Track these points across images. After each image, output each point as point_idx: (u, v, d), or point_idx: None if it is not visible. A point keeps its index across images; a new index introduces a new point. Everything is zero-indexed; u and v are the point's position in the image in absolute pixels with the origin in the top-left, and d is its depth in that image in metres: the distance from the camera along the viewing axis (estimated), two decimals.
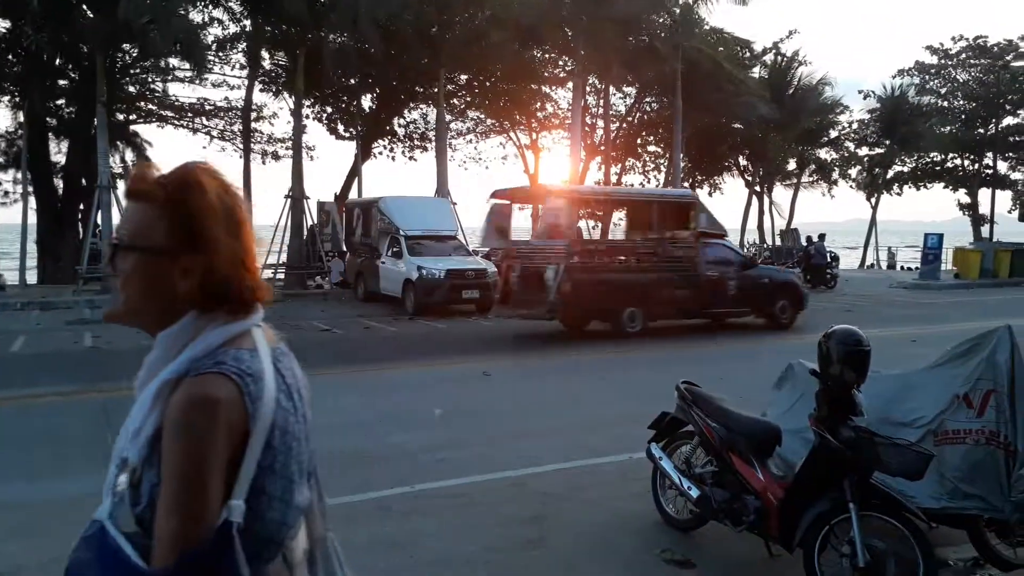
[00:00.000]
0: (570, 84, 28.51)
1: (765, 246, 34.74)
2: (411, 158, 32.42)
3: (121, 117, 27.42)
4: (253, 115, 27.99)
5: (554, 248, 14.31)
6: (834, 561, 3.94)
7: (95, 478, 5.15)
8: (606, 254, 15.50)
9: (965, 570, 4.57)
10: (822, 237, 27.03)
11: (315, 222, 23.62)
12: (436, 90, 25.52)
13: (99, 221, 20.45)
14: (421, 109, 31.30)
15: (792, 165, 39.51)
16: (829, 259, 26.55)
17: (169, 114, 29.11)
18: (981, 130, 39.32)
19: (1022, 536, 4.37)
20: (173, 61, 24.76)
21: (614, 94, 33.49)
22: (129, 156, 29.12)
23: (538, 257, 14.68)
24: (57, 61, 24.72)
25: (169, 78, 27.39)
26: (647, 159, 36.85)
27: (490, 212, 16.05)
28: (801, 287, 16.40)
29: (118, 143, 27.41)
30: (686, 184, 35.19)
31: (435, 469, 6.26)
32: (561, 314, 13.81)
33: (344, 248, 23.12)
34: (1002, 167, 40.59)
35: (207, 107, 28.92)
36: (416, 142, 32.14)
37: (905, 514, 3.89)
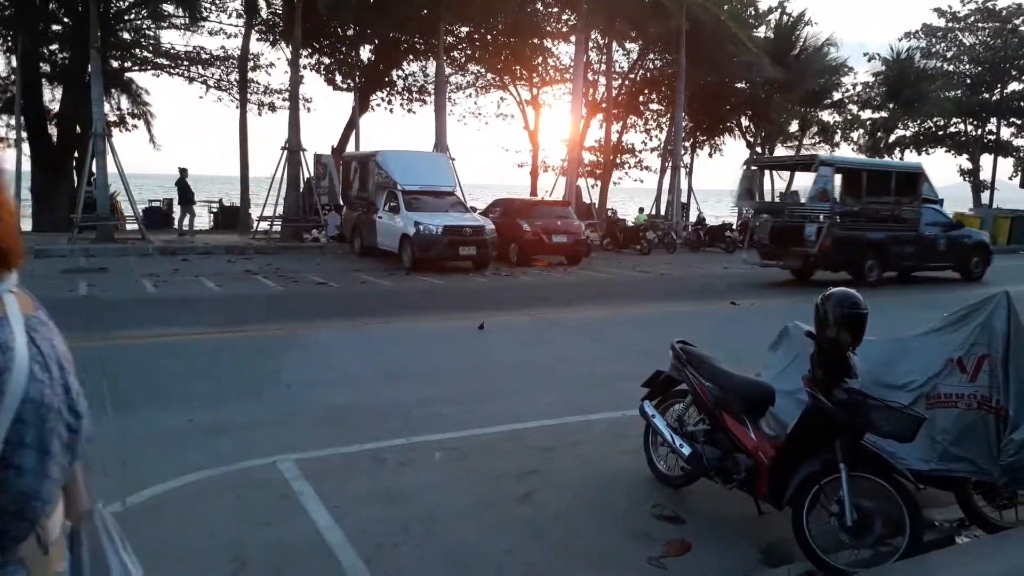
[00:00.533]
0: (573, 39, 28.11)
1: None
2: (410, 111, 32.07)
3: (116, 64, 27.01)
4: (250, 64, 27.63)
5: (817, 209, 16.85)
6: (822, 520, 3.99)
7: (90, 424, 5.12)
8: (856, 216, 17.53)
9: (951, 531, 4.63)
10: None
11: (312, 175, 23.44)
12: (436, 42, 25.13)
13: (94, 169, 20.27)
14: (420, 61, 30.88)
15: (794, 127, 39.22)
16: None
17: (164, 62, 28.69)
18: (986, 95, 38.97)
19: (1008, 499, 4.43)
20: (168, 7, 24.34)
21: (617, 50, 33.10)
22: (125, 103, 28.82)
23: (796, 215, 17.63)
24: (50, 5, 24.27)
25: (164, 25, 26.95)
26: (649, 117, 36.51)
27: (744, 176, 18.57)
28: (990, 245, 19.63)
29: (113, 90, 27.05)
30: (687, 144, 34.95)
31: (429, 423, 6.30)
32: (817, 263, 16.74)
33: (341, 202, 23.00)
34: (1005, 133, 40.36)
35: (203, 56, 28.53)
36: (415, 95, 31.76)
37: (894, 475, 3.93)
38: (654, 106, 36.13)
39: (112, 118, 27.24)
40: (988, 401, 4.30)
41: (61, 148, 25.27)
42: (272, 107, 29.43)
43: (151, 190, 53.75)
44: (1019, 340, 4.29)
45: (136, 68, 28.82)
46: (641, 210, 28.09)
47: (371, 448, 5.65)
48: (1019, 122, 39.86)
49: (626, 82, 33.93)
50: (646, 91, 35.28)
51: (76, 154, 25.33)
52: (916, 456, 4.44)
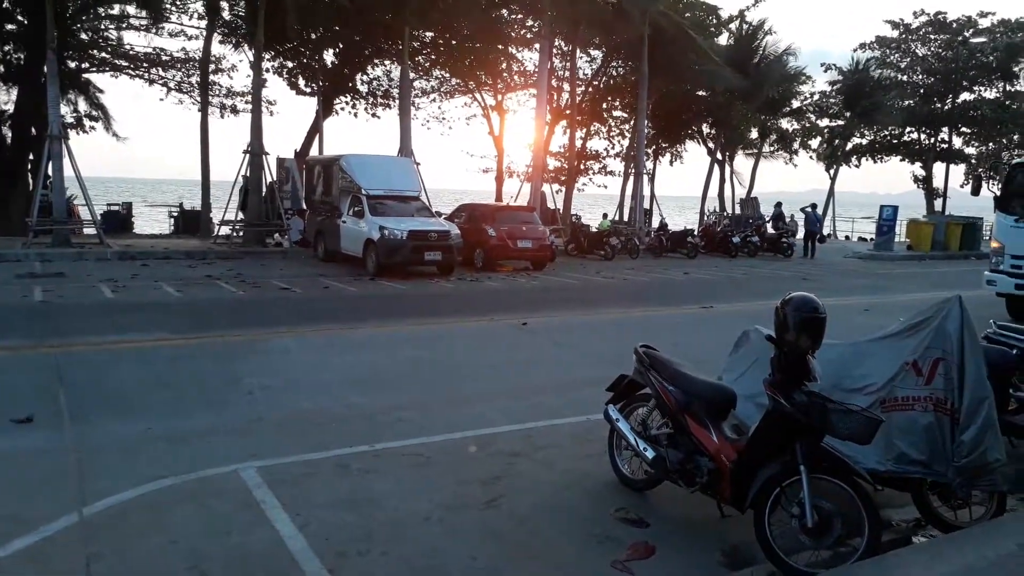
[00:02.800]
0: (537, 45, 28.20)
1: (725, 214, 35.05)
2: (374, 115, 31.89)
3: (73, 65, 26.46)
4: (211, 67, 27.23)
5: None
6: (784, 521, 4.06)
7: (45, 433, 5.05)
8: None
9: (908, 531, 4.74)
10: (813, 207, 28.69)
11: (274, 179, 23.20)
12: (400, 47, 25.02)
13: (50, 172, 19.81)
14: (385, 66, 30.73)
15: (754, 134, 39.80)
16: (785, 228, 27.70)
17: (124, 63, 28.16)
18: (938, 105, 39.94)
19: (962, 499, 4.54)
20: (129, 8, 23.92)
21: (581, 57, 33.27)
22: (82, 105, 28.21)
23: None
24: (4, 3, 23.71)
25: (124, 25, 26.47)
26: (613, 124, 36.77)
27: None
28: None
29: (70, 92, 26.48)
30: (649, 151, 35.26)
31: (394, 429, 6.26)
32: None
33: (304, 206, 22.76)
34: (957, 142, 41.38)
35: (164, 57, 28.07)
36: (379, 99, 31.57)
37: (853, 477, 4.01)
38: (617, 113, 36.39)
39: (69, 120, 26.66)
40: (943, 403, 4.41)
41: (16, 150, 24.65)
42: (234, 110, 29.05)
43: (110, 194, 52.79)
44: (971, 343, 4.41)
45: (94, 69, 28.26)
46: (605, 216, 28.26)
47: (335, 455, 5.60)
48: (970, 131, 40.91)
49: (590, 89, 34.12)
50: (609, 98, 35.52)
51: (31, 156, 24.74)
52: (874, 458, 4.53)
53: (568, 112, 32.60)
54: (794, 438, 4.01)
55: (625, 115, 35.69)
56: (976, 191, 16.04)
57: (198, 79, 27.23)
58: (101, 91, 28.76)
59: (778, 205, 29.37)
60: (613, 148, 36.65)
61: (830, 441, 4.09)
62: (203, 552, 4.08)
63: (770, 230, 28.29)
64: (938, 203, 41.26)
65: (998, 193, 13.54)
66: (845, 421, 3.85)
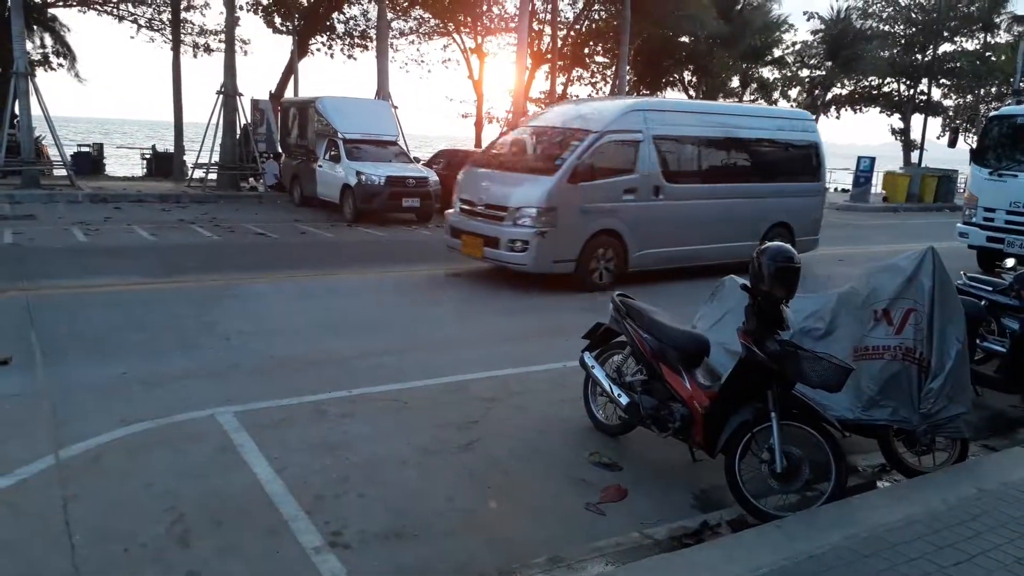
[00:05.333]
0: None
1: None
2: (350, 56, 31.15)
3: (38, 0, 25.55)
4: (183, 4, 26.41)
5: None
6: (754, 466, 4.15)
7: (19, 377, 5.02)
8: None
9: (873, 476, 4.87)
10: None
11: (249, 121, 22.74)
12: None
13: (16, 111, 19.26)
14: (362, 4, 29.99)
15: (735, 82, 39.53)
16: None
17: None
18: (919, 56, 39.80)
19: (927, 445, 4.66)
20: None
21: None
22: (48, 42, 27.29)
23: None
24: None
25: None
26: (595, 70, 36.30)
27: None
28: None
29: (35, 27, 25.60)
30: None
31: (371, 374, 6.29)
32: None
33: (279, 149, 22.36)
34: (936, 94, 41.39)
35: None
36: (356, 40, 30.84)
37: (822, 424, 4.10)
38: (599, 59, 35.90)
39: (35, 57, 25.83)
40: (912, 353, 4.50)
41: None
42: (207, 49, 28.28)
43: (79, 134, 51.54)
44: (945, 293, 4.48)
45: (60, 4, 27.31)
46: None
47: (312, 400, 5.62)
48: (949, 83, 40.89)
49: (572, 33, 33.57)
50: (591, 43, 34.99)
51: None
52: (843, 405, 4.63)
53: (549, 57, 32.09)
54: (766, 386, 4.08)
55: (607, 61, 35.23)
56: (953, 143, 16.15)
57: (169, 16, 26.43)
58: (68, 29, 27.89)
59: None
60: (595, 94, 36.25)
61: (801, 389, 4.17)
62: (180, 495, 4.11)
63: None
64: (915, 155, 41.43)
65: (974, 146, 13.62)
66: (816, 369, 3.92)
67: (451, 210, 11.28)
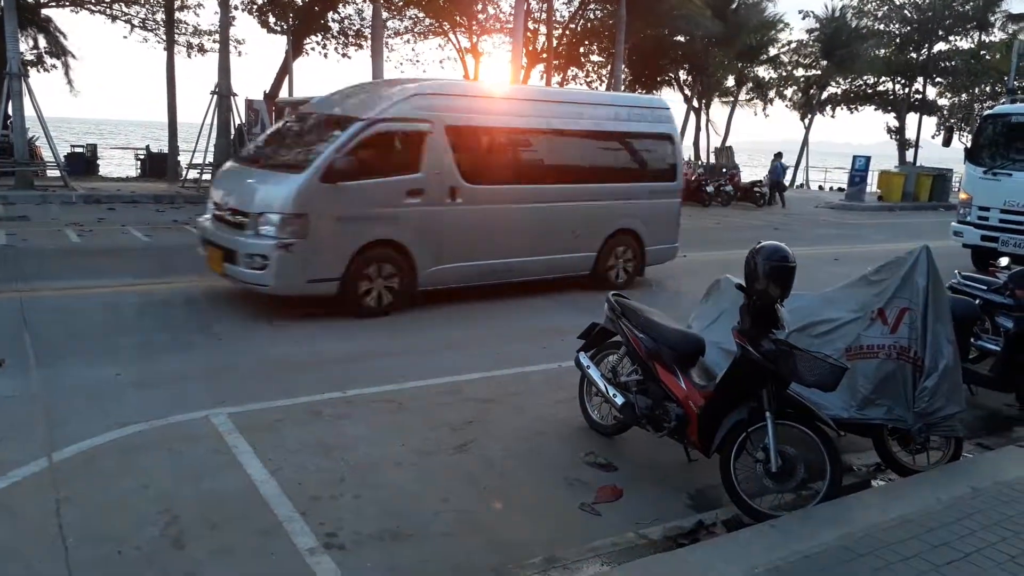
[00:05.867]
0: None
1: (700, 163, 35.04)
2: (345, 55, 31.10)
3: (31, 0, 25.46)
4: (177, 3, 26.35)
5: None
6: (748, 466, 4.16)
7: (13, 378, 4.98)
8: None
9: (868, 475, 4.88)
10: (778, 156, 28.48)
11: (243, 121, 22.69)
12: None
13: (10, 111, 19.18)
14: (356, 3, 29.93)
15: (731, 82, 39.59)
16: (764, 179, 27.86)
17: None
18: (914, 55, 39.90)
19: (921, 444, 4.68)
20: None
21: None
22: (42, 43, 27.18)
23: None
24: None
25: None
26: (590, 69, 36.31)
27: None
28: None
29: (29, 28, 25.51)
30: None
31: (365, 376, 6.27)
32: None
33: None
34: (931, 92, 41.49)
35: None
36: (351, 39, 30.78)
37: (817, 423, 4.10)
38: (595, 58, 35.91)
39: (29, 57, 25.73)
40: (907, 352, 4.50)
41: None
42: (201, 49, 28.18)
43: (73, 135, 51.40)
44: (937, 293, 4.49)
45: (53, 4, 27.22)
46: None
47: (306, 401, 5.61)
48: (944, 82, 41.00)
49: (567, 32, 33.56)
50: (587, 42, 34.99)
51: None
52: (838, 404, 4.64)
53: (545, 56, 32.10)
54: (761, 385, 4.08)
55: (602, 60, 35.23)
56: (947, 142, 16.15)
57: (163, 16, 26.36)
58: (63, 34, 27.81)
59: (778, 156, 29.55)
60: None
61: (796, 388, 4.17)
62: (174, 497, 4.10)
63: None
64: (910, 154, 41.53)
65: (968, 145, 13.64)
66: (811, 369, 3.92)
67: (204, 215, 9.30)
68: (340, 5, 29.63)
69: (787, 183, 29.70)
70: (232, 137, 21.67)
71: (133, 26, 27.65)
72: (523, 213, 9.29)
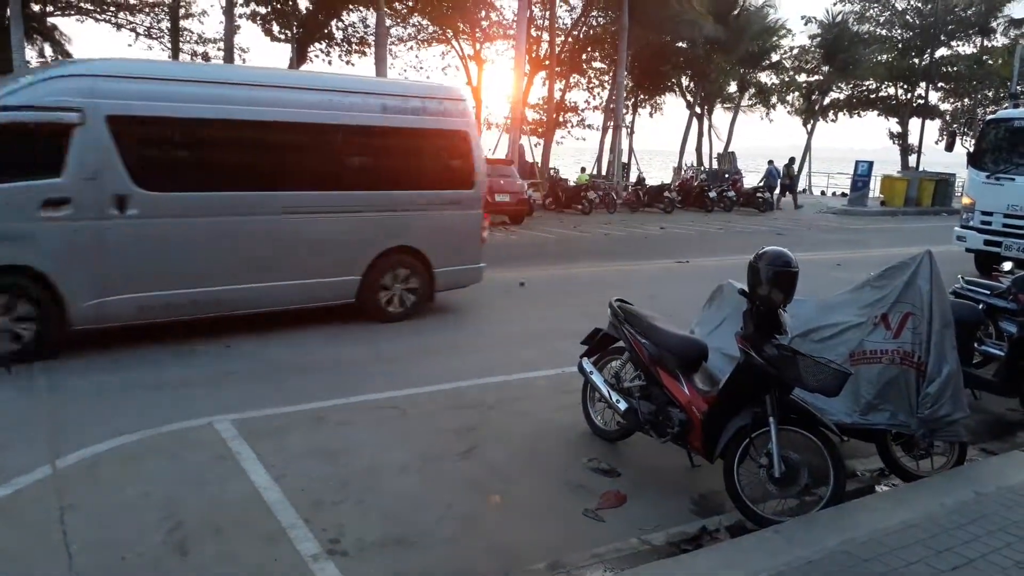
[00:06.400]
0: None
1: (703, 169, 35.06)
2: (348, 63, 31.25)
3: (37, 8, 25.60)
4: (182, 12, 26.50)
5: None
6: (752, 471, 4.15)
7: (16, 385, 4.96)
8: None
9: (871, 480, 4.87)
10: (771, 163, 29.27)
11: None
12: None
13: None
14: (360, 11, 30.04)
15: (733, 87, 39.63)
16: (762, 183, 28.03)
17: (90, 7, 27.29)
18: (916, 60, 39.91)
19: (925, 450, 4.66)
20: None
21: (560, 6, 32.72)
22: (48, 51, 27.30)
23: None
24: None
25: None
26: (592, 76, 36.39)
27: None
28: None
29: (35, 36, 25.64)
30: (628, 103, 35.00)
31: (369, 381, 6.28)
32: None
33: None
34: (933, 97, 41.49)
35: (132, 1, 27.20)
36: (355, 47, 30.92)
37: (820, 429, 4.10)
38: (597, 64, 35.98)
39: (34, 65, 25.80)
40: (910, 357, 4.49)
41: None
42: (206, 57, 28.35)
43: None
44: (939, 298, 4.48)
45: (59, 12, 27.38)
46: (583, 170, 28.13)
47: (310, 407, 5.61)
48: (947, 87, 41.00)
49: (569, 39, 33.65)
50: (589, 49, 35.07)
51: None
52: (841, 410, 4.63)
53: (547, 63, 32.18)
54: (764, 390, 4.08)
55: (604, 66, 35.32)
56: (950, 147, 16.14)
57: (168, 24, 26.51)
58: (67, 39, 27.96)
59: (792, 161, 30.03)
60: (592, 100, 36.36)
61: (799, 393, 4.17)
62: (178, 503, 4.10)
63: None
64: (913, 159, 41.50)
65: (971, 149, 13.63)
66: (814, 374, 3.92)
67: None
68: (344, 13, 29.76)
69: (799, 187, 30.19)
70: None
71: (138, 34, 27.84)
72: (240, 228, 7.40)
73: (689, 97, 38.03)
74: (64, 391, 5.76)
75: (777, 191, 28.59)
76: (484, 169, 9.27)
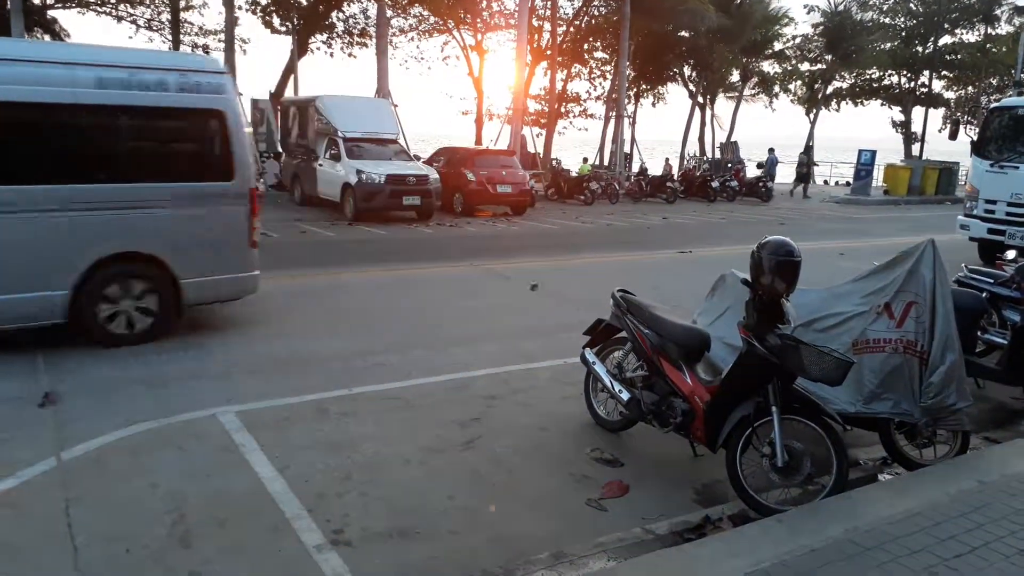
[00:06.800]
0: None
1: (705, 158, 34.97)
2: (350, 55, 31.16)
3: (37, 1, 25.56)
4: (182, 4, 26.45)
5: None
6: (755, 461, 4.15)
7: (20, 377, 4.99)
8: None
9: (874, 469, 4.87)
10: (771, 151, 29.45)
11: (248, 121, 22.74)
12: None
13: None
14: (361, 2, 29.99)
15: (735, 77, 39.48)
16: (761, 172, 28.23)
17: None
18: (919, 48, 39.72)
19: (928, 438, 4.66)
20: None
21: None
22: None
23: None
24: None
25: None
26: (594, 66, 36.27)
27: None
28: None
29: (35, 29, 25.61)
30: (630, 93, 34.89)
31: (372, 373, 6.29)
32: None
33: (279, 149, 22.36)
34: (937, 86, 41.32)
35: None
36: (355, 38, 30.84)
37: (823, 418, 4.10)
38: (599, 54, 35.86)
39: None
40: (913, 346, 4.49)
41: None
42: (206, 49, 28.32)
43: None
44: (942, 287, 4.47)
45: (59, 5, 27.34)
46: (585, 160, 28.09)
47: (313, 399, 5.63)
48: (950, 75, 40.83)
49: (571, 29, 33.52)
50: (591, 39, 34.95)
51: None
52: (844, 399, 4.63)
53: (549, 53, 32.07)
54: (767, 380, 4.08)
55: (606, 56, 35.20)
56: (954, 135, 16.10)
57: (168, 16, 26.46)
58: (68, 34, 27.88)
59: (809, 150, 30.24)
60: (594, 90, 36.24)
61: (802, 382, 4.17)
62: (183, 495, 4.12)
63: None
64: (916, 147, 41.36)
65: (975, 138, 13.58)
66: (817, 363, 3.92)
67: None
68: (344, 4, 29.68)
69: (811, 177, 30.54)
70: None
71: (139, 26, 27.82)
72: None
73: (691, 87, 37.89)
74: (67, 383, 5.77)
75: (792, 180, 28.88)
76: (250, 158, 7.55)
